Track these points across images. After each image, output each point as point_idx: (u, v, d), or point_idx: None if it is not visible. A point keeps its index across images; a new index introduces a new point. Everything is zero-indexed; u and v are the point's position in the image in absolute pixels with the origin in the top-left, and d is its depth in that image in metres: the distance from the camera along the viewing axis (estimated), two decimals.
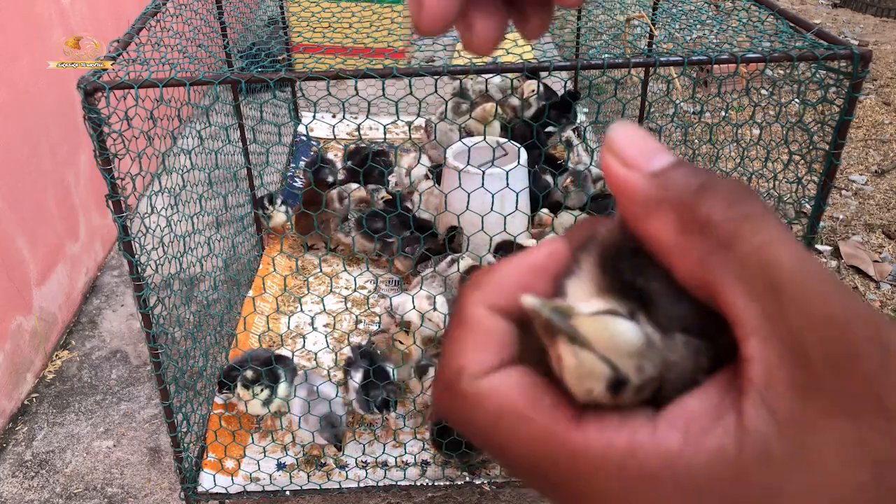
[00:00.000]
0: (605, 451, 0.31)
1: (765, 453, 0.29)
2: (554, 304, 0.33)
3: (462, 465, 2.20)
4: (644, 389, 0.32)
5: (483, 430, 0.34)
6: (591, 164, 3.30)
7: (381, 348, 2.33)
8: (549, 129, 3.59)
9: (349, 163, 3.36)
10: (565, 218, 2.93)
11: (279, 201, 3.13)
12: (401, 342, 2.31)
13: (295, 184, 3.49)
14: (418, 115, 1.60)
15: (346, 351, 2.42)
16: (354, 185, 3.07)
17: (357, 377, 2.23)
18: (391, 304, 2.50)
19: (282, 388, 2.26)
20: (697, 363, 0.33)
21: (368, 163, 3.06)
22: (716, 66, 1.65)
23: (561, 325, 0.32)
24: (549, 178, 3.23)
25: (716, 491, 0.30)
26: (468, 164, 2.64)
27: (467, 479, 2.17)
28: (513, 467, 0.34)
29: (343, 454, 2.28)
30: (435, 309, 2.42)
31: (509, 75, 3.34)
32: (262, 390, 2.22)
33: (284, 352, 2.64)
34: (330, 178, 3.28)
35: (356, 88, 1.74)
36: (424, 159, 3.43)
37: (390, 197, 3.09)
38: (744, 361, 0.30)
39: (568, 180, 3.12)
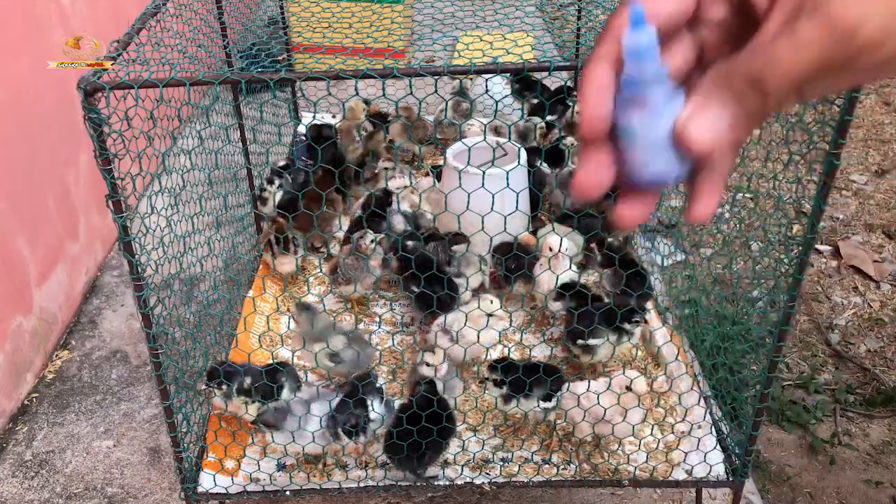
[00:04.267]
0: None
1: None
2: None
3: (410, 472, 2.14)
4: None
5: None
6: None
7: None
8: (550, 117, 3.60)
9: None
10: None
11: (276, 184, 3.08)
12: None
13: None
14: (418, 116, 1.61)
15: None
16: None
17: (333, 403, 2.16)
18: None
19: (284, 395, 2.25)
20: None
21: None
22: None
23: None
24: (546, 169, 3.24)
25: None
26: (468, 164, 2.64)
27: (467, 478, 2.17)
28: None
29: (343, 454, 2.28)
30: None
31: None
32: (264, 402, 2.21)
33: (285, 352, 2.64)
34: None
35: (356, 88, 1.74)
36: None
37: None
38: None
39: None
